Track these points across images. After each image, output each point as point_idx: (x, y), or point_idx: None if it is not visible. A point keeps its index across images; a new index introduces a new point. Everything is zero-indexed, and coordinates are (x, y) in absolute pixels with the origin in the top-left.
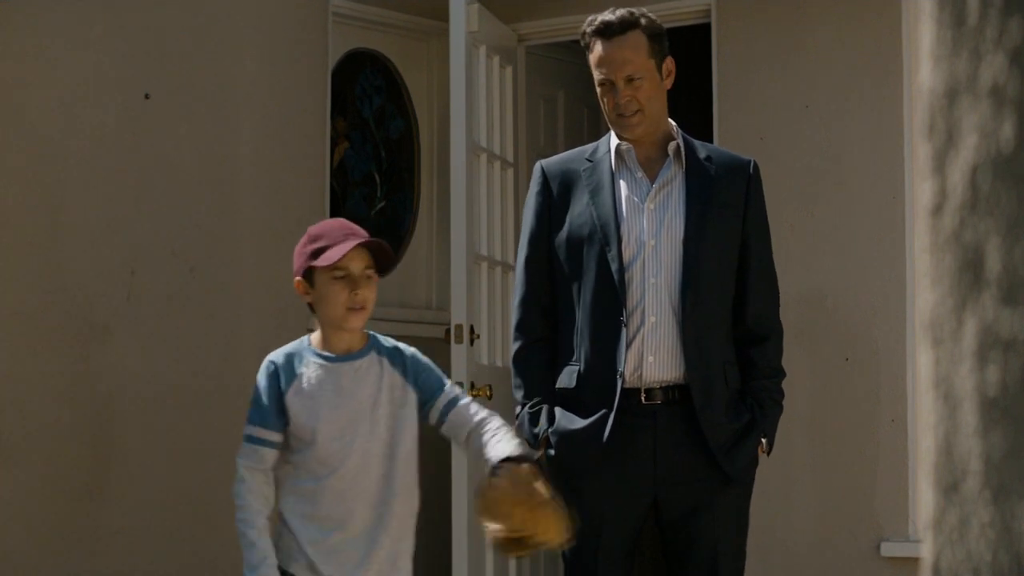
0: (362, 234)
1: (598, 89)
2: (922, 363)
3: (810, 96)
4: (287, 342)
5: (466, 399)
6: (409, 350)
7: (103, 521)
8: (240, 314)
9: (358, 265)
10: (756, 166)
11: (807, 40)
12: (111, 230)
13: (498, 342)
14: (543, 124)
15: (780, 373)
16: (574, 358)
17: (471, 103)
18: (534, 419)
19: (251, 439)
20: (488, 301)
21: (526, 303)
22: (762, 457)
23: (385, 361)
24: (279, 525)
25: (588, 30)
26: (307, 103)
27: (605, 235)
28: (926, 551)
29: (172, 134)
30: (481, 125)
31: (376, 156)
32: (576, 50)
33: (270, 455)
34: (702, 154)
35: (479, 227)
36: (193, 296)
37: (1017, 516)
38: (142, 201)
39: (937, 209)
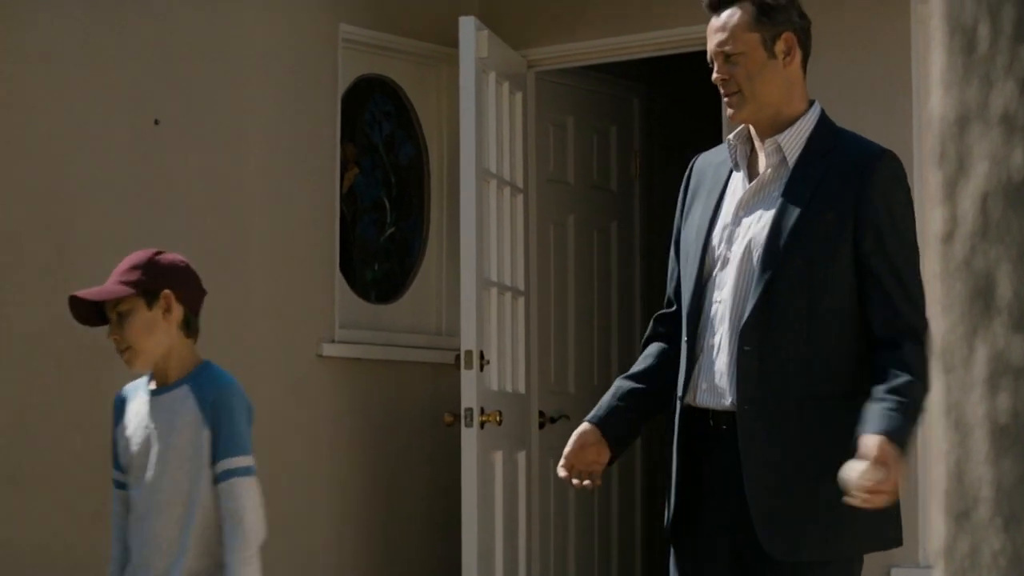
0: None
1: None
2: (933, 390)
3: None
4: (297, 368)
5: (238, 488)
6: (227, 389)
7: None
8: (251, 339)
9: (109, 307)
10: (882, 157)
11: (815, 66)
12: (121, 255)
13: (507, 368)
14: (553, 150)
15: (916, 378)
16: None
17: (481, 129)
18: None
19: (114, 483)
20: (498, 327)
21: (661, 310)
22: None
23: (191, 394)
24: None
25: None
26: (317, 129)
27: (698, 244)
28: None
29: (182, 160)
30: (491, 151)
31: (386, 182)
32: (586, 76)
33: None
34: (823, 147)
35: (489, 253)
36: (203, 321)
37: None
38: (152, 226)
39: (948, 236)
